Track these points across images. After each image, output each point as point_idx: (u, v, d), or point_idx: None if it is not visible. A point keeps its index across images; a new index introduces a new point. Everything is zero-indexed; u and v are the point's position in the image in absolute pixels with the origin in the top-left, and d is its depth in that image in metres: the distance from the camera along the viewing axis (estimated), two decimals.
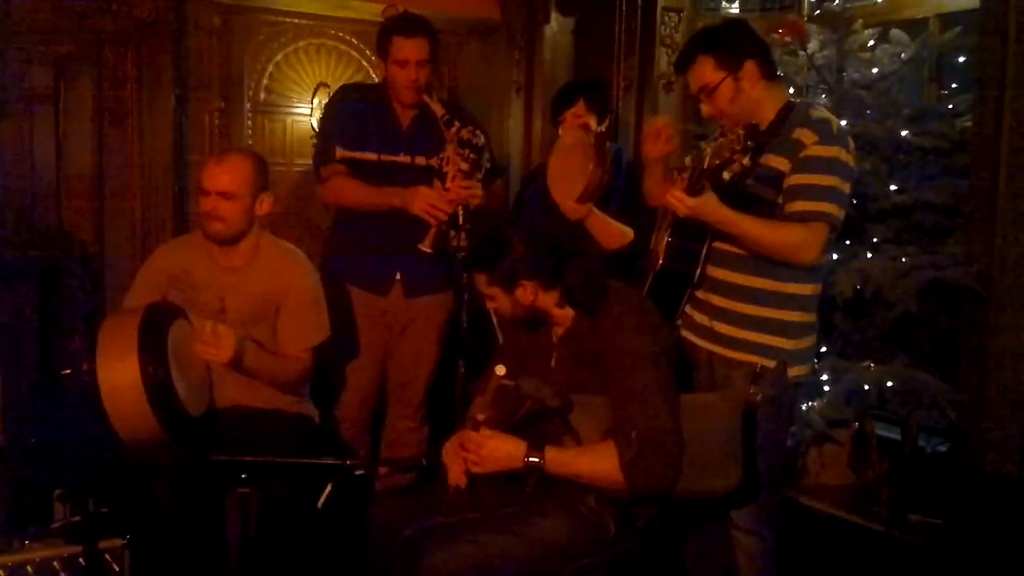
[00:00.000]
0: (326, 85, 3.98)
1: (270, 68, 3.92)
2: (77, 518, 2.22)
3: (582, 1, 4.23)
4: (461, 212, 2.83)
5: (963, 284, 2.77)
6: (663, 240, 2.50)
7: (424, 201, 2.88)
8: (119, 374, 2.18)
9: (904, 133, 3.07)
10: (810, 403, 3.10)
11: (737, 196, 2.34)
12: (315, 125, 3.95)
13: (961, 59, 3.20)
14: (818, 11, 3.55)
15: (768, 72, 2.43)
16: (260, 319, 2.72)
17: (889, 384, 2.93)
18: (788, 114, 2.40)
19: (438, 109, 2.94)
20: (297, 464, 2.33)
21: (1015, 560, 2.51)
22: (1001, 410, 2.68)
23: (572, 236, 2.72)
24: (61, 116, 3.45)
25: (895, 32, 3.25)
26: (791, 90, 3.18)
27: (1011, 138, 2.68)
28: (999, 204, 2.70)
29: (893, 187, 3.07)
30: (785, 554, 2.51)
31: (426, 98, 3.00)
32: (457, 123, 2.86)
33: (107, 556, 2.18)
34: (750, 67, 2.38)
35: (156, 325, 2.31)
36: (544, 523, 2.14)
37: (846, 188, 2.35)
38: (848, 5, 3.52)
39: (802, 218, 2.30)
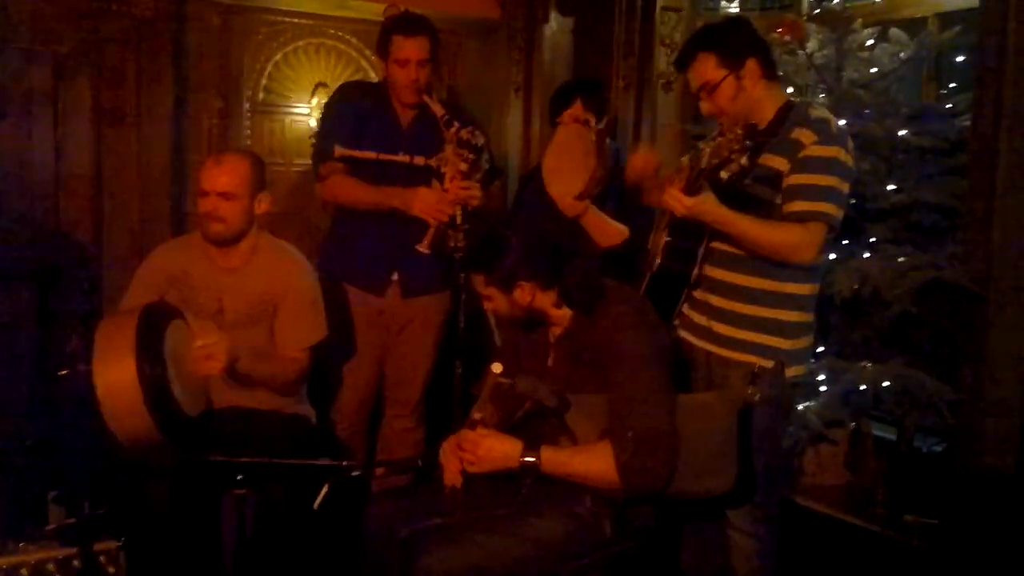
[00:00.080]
0: (325, 85, 3.98)
1: (269, 68, 3.92)
2: (72, 520, 2.22)
3: (581, 1, 4.22)
4: (459, 212, 2.84)
5: (961, 284, 2.76)
6: (661, 240, 2.50)
7: (424, 203, 2.88)
8: (116, 375, 2.18)
9: (903, 132, 3.07)
10: (807, 403, 3.09)
11: (735, 196, 2.34)
12: (314, 125, 3.95)
13: (960, 58, 3.19)
14: (817, 10, 3.54)
15: (769, 71, 2.43)
16: (258, 319, 2.72)
17: (886, 384, 2.93)
18: (787, 114, 2.40)
19: (438, 109, 2.94)
20: (293, 465, 2.33)
21: (1011, 560, 2.51)
22: (997, 410, 2.68)
23: (570, 235, 2.72)
24: (60, 116, 3.45)
25: (894, 31, 3.24)
26: (790, 89, 3.17)
27: (1010, 138, 2.67)
28: (997, 204, 2.70)
29: (891, 187, 3.06)
30: (781, 554, 2.51)
31: (426, 98, 3.00)
32: (457, 123, 2.86)
33: (102, 558, 2.19)
34: (752, 66, 2.38)
35: (153, 326, 2.30)
36: (540, 523, 2.14)
37: (845, 188, 2.34)
38: (847, 4, 3.51)
39: (800, 218, 2.30)
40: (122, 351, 2.21)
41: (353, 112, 3.12)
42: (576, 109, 3.09)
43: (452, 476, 2.23)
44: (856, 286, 2.93)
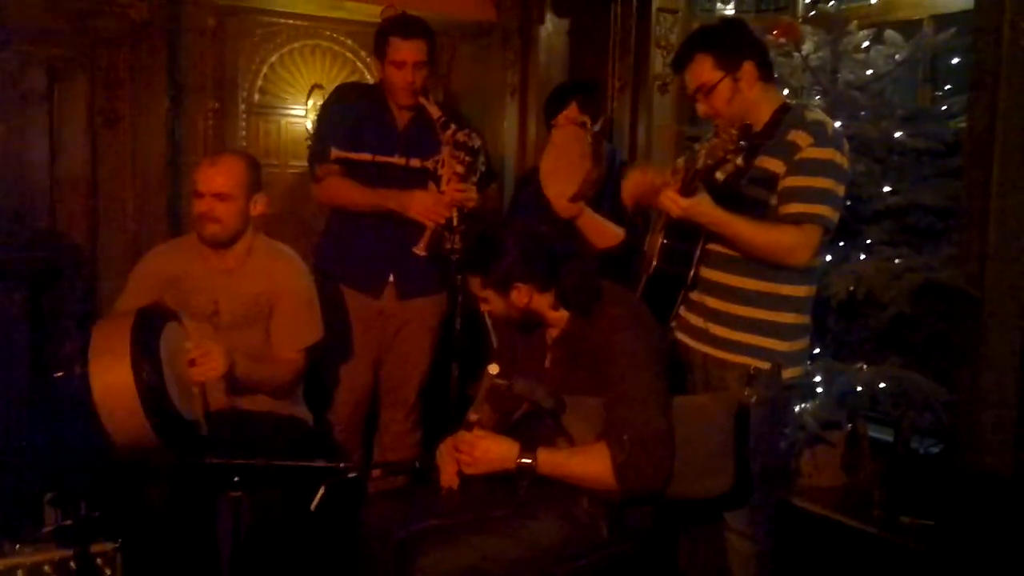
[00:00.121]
0: (320, 87, 3.97)
1: (264, 69, 3.91)
2: (69, 522, 2.22)
3: (577, 2, 4.22)
4: (455, 214, 2.84)
5: (956, 286, 2.77)
6: (657, 242, 2.50)
7: (421, 205, 2.88)
8: (112, 377, 2.17)
9: (898, 134, 3.07)
10: (803, 405, 3.10)
11: (731, 197, 2.34)
12: (309, 127, 3.95)
13: (955, 60, 3.20)
14: (812, 12, 3.55)
15: (765, 73, 2.43)
16: (254, 321, 2.72)
17: (882, 386, 2.93)
18: (783, 116, 2.41)
19: (434, 111, 2.93)
20: (290, 467, 2.33)
21: (1008, 562, 2.51)
22: (994, 411, 2.68)
23: (566, 237, 2.72)
24: (55, 117, 3.44)
25: (889, 33, 3.25)
26: (785, 91, 3.18)
27: (1005, 140, 2.68)
28: (992, 206, 2.70)
29: (887, 188, 3.07)
30: (778, 556, 2.51)
31: (423, 100, 3.00)
32: (453, 126, 2.86)
33: (99, 560, 2.17)
34: (748, 68, 2.39)
35: (149, 328, 2.30)
36: (537, 525, 2.14)
37: (840, 190, 2.35)
38: (842, 6, 3.51)
39: (796, 220, 2.30)
40: (118, 353, 2.20)
41: (349, 114, 3.12)
42: (571, 111, 3.10)
43: (449, 478, 2.24)
44: (852, 288, 2.93)
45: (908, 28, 3.31)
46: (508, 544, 2.09)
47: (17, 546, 2.14)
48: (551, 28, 4.26)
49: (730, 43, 2.40)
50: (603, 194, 2.98)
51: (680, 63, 2.48)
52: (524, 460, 2.11)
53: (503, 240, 2.20)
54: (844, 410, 3.05)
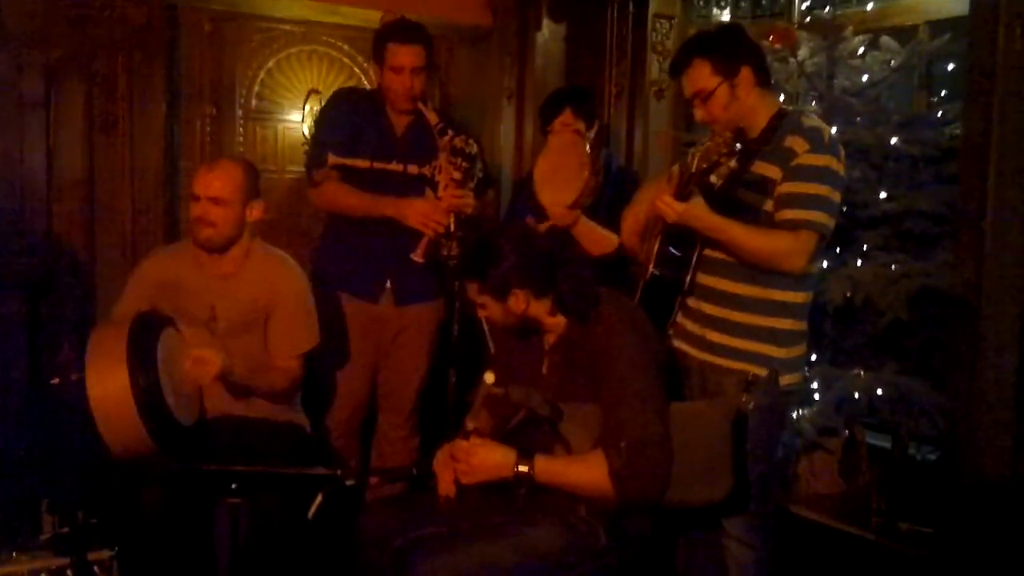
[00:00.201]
0: (317, 92, 3.97)
1: (261, 75, 3.91)
2: (66, 529, 2.22)
3: (574, 8, 4.22)
4: (453, 220, 2.84)
5: (953, 292, 2.77)
6: (654, 247, 2.50)
7: (419, 213, 2.88)
8: (108, 384, 2.17)
9: (894, 140, 3.08)
10: (800, 411, 3.10)
11: (727, 203, 2.34)
12: (306, 132, 3.95)
13: (950, 66, 3.21)
14: (808, 18, 3.55)
15: (763, 79, 2.44)
16: (251, 326, 2.72)
17: (879, 392, 2.93)
18: (780, 122, 2.41)
19: (432, 117, 2.94)
20: (287, 474, 2.33)
21: (1006, 568, 2.51)
22: (991, 418, 2.68)
23: (562, 243, 2.72)
24: (52, 123, 3.43)
25: (885, 39, 3.25)
26: (781, 97, 3.18)
27: (1000, 146, 2.68)
28: (988, 211, 2.70)
29: (883, 194, 3.07)
30: (776, 563, 2.51)
31: (420, 106, 3.00)
32: (450, 132, 2.86)
33: (96, 567, 2.18)
34: (746, 74, 2.39)
35: (145, 334, 2.30)
36: (535, 532, 2.14)
37: (837, 197, 2.35)
38: (838, 12, 3.52)
39: (792, 226, 2.31)
40: (114, 360, 2.20)
41: (347, 119, 3.12)
42: (566, 117, 3.10)
43: (446, 486, 2.23)
44: (848, 294, 2.94)
45: (903, 34, 3.32)
46: (506, 551, 2.09)
47: (14, 554, 2.14)
48: (548, 33, 4.26)
49: (728, 49, 2.41)
50: (599, 201, 2.98)
51: (677, 68, 2.48)
52: (521, 468, 2.11)
53: (500, 246, 2.20)
54: (842, 416, 3.05)
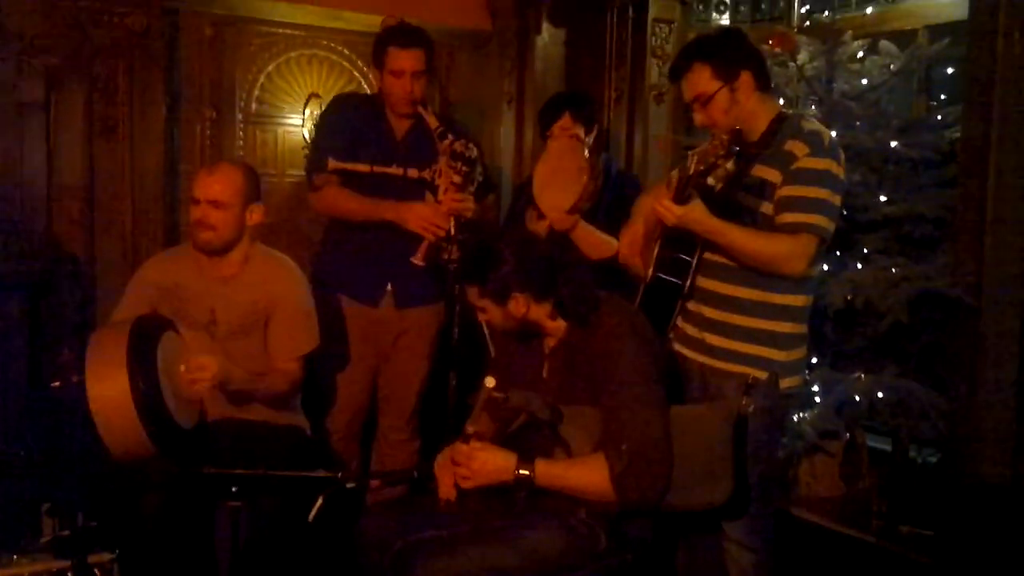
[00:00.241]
0: (318, 96, 3.98)
1: (261, 79, 3.92)
2: (66, 532, 2.21)
3: (573, 12, 4.23)
4: (453, 224, 2.84)
5: (953, 295, 2.78)
6: (654, 251, 2.50)
7: (419, 218, 2.88)
8: (108, 387, 2.17)
9: (894, 144, 3.08)
10: (801, 414, 3.10)
11: (727, 207, 2.34)
12: (307, 136, 3.95)
13: (950, 70, 3.22)
14: (808, 22, 3.56)
15: (763, 83, 2.44)
16: (251, 329, 2.72)
17: (880, 395, 2.93)
18: (780, 125, 2.41)
19: (432, 121, 2.94)
20: (288, 477, 2.32)
21: (1007, 571, 2.51)
22: (992, 421, 2.68)
23: (562, 247, 2.72)
24: (52, 126, 3.44)
25: (884, 44, 3.26)
26: (781, 101, 3.19)
27: (1000, 149, 2.69)
28: (988, 215, 2.71)
29: (883, 198, 3.07)
30: (777, 566, 2.51)
31: (421, 110, 3.00)
32: (450, 136, 2.87)
33: (96, 571, 2.17)
34: (746, 78, 2.39)
35: (145, 337, 2.30)
36: (536, 535, 2.14)
37: (837, 200, 2.35)
38: (837, 17, 3.53)
39: (792, 229, 2.31)
40: (114, 363, 2.20)
41: (347, 124, 3.12)
42: (565, 121, 3.10)
43: (447, 489, 2.23)
44: (849, 297, 2.94)
45: (903, 38, 3.33)
46: (507, 555, 2.08)
47: (15, 557, 2.13)
48: (547, 38, 4.28)
49: (728, 53, 2.40)
50: (599, 205, 2.99)
51: (677, 73, 2.48)
52: (522, 471, 2.11)
53: (500, 250, 2.20)
54: (842, 419, 3.05)
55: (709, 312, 2.47)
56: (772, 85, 2.61)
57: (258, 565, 2.36)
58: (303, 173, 3.40)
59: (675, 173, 2.47)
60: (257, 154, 3.92)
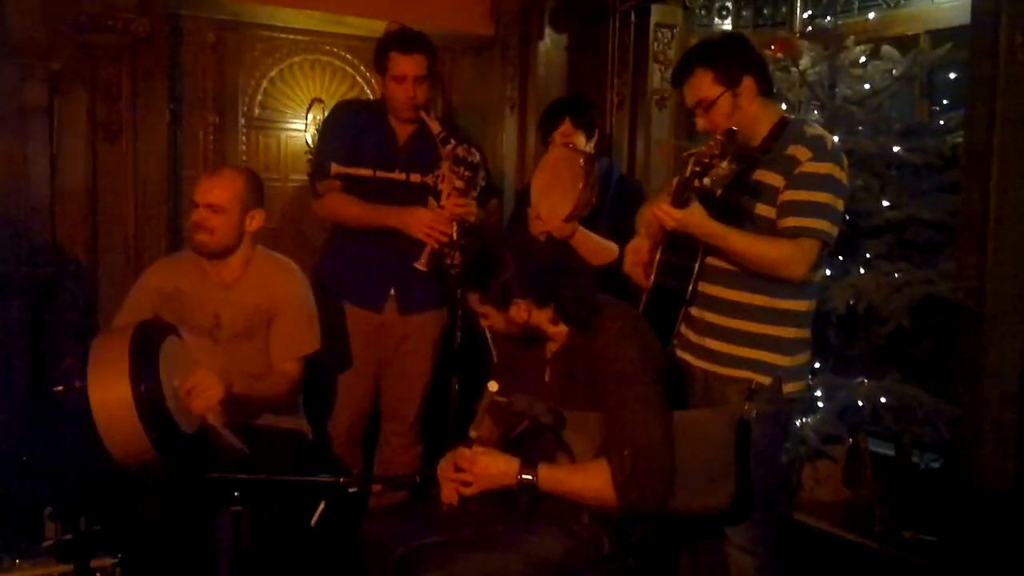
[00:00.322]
0: (320, 101, 3.98)
1: (264, 84, 3.93)
2: (68, 536, 2.21)
3: (576, 17, 4.24)
4: (456, 229, 2.84)
5: (956, 300, 2.77)
6: (655, 257, 2.50)
7: (422, 224, 2.89)
8: (110, 392, 2.17)
9: (896, 149, 3.09)
10: (804, 419, 3.09)
11: (728, 211, 2.34)
12: (309, 141, 3.96)
13: (952, 75, 3.22)
14: (810, 28, 3.56)
15: (765, 88, 2.44)
16: (254, 332, 2.72)
17: (883, 400, 2.93)
18: (782, 130, 2.41)
19: (435, 126, 2.94)
20: (290, 481, 2.32)
21: None
22: (995, 426, 2.68)
23: (563, 253, 2.73)
24: (55, 131, 3.44)
25: (886, 48, 3.26)
26: (783, 106, 3.19)
27: (1002, 154, 2.69)
28: (991, 220, 2.71)
29: (885, 203, 3.08)
30: (780, 571, 2.51)
31: (423, 115, 3.01)
32: (453, 141, 2.87)
33: (98, 575, 2.17)
34: (748, 83, 2.39)
35: (147, 342, 2.30)
36: (538, 540, 2.13)
37: (839, 205, 2.35)
38: (840, 22, 3.54)
39: (793, 234, 2.30)
40: (116, 368, 2.20)
41: (350, 130, 3.13)
42: (566, 128, 3.10)
43: (449, 494, 2.23)
44: (852, 302, 2.94)
45: (905, 43, 3.34)
46: (509, 559, 2.08)
47: (17, 561, 2.13)
48: (550, 43, 4.28)
49: (730, 58, 2.40)
50: (600, 210, 2.99)
51: (680, 77, 2.48)
52: (525, 476, 2.10)
53: (501, 256, 2.20)
54: (845, 424, 3.05)
55: (712, 317, 2.46)
56: (774, 90, 2.61)
57: (260, 570, 2.36)
58: (306, 178, 3.39)
59: (675, 180, 2.48)
60: (260, 159, 3.93)
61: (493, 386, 2.13)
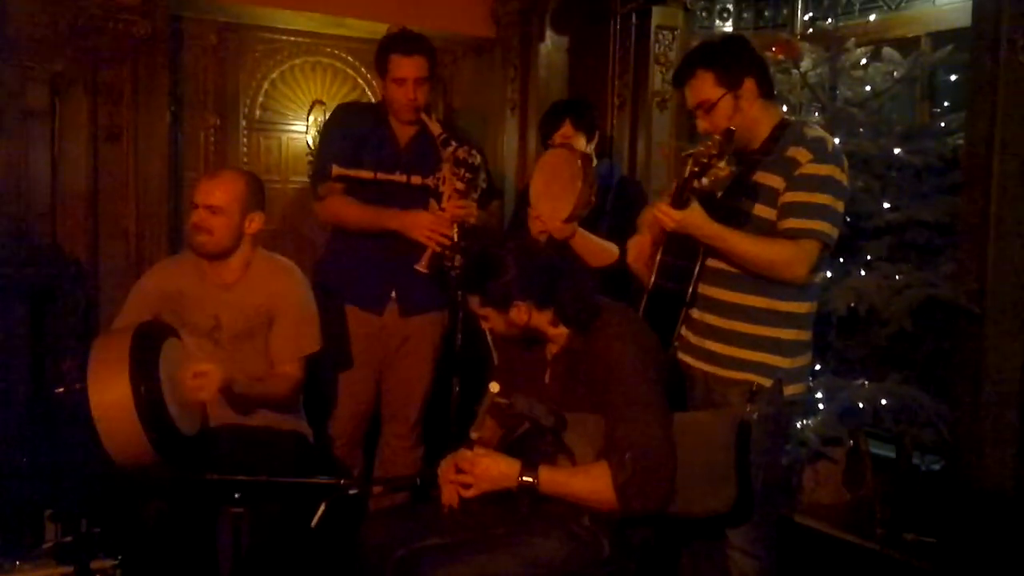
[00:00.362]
0: (322, 103, 3.98)
1: (265, 85, 3.93)
2: (69, 538, 2.22)
3: (576, 19, 4.24)
4: (456, 231, 2.84)
5: (957, 302, 2.77)
6: (655, 258, 2.50)
7: (423, 226, 2.89)
8: (110, 394, 2.17)
9: (897, 151, 3.08)
10: (804, 421, 3.09)
11: (728, 213, 2.34)
12: (310, 143, 3.96)
13: (953, 77, 3.22)
14: (811, 30, 3.56)
15: (766, 90, 2.44)
16: (254, 333, 2.72)
17: (883, 402, 2.93)
18: (783, 132, 2.41)
19: (435, 128, 2.94)
20: (290, 483, 2.32)
21: None
22: (996, 428, 2.68)
23: (563, 255, 2.72)
24: (56, 133, 3.45)
25: (887, 50, 3.26)
26: (784, 108, 3.19)
27: (1003, 156, 2.68)
28: (991, 221, 2.71)
29: (886, 205, 3.08)
30: (780, 573, 2.51)
31: (424, 117, 3.01)
32: (454, 143, 2.87)
33: None
34: (749, 85, 2.39)
35: (148, 344, 2.30)
36: (539, 543, 2.13)
37: (840, 207, 2.35)
38: (840, 24, 3.53)
39: (794, 235, 2.30)
40: (117, 370, 2.20)
41: (351, 132, 3.13)
42: (566, 130, 3.10)
43: (450, 495, 2.23)
44: (852, 304, 2.93)
45: (906, 45, 3.34)
46: (510, 562, 2.08)
47: (17, 562, 2.14)
48: (551, 45, 4.28)
49: (731, 60, 2.40)
50: (601, 212, 2.99)
51: (681, 79, 2.48)
52: (526, 478, 2.10)
53: (501, 259, 2.19)
54: (845, 426, 3.05)
55: (712, 319, 2.46)
56: (775, 92, 2.61)
57: (260, 571, 2.36)
58: (307, 180, 3.39)
59: (676, 182, 2.48)
60: (261, 161, 3.93)
61: (495, 387, 2.14)
